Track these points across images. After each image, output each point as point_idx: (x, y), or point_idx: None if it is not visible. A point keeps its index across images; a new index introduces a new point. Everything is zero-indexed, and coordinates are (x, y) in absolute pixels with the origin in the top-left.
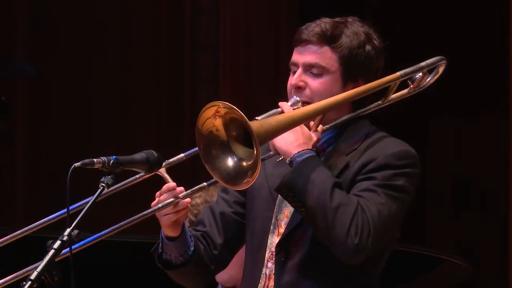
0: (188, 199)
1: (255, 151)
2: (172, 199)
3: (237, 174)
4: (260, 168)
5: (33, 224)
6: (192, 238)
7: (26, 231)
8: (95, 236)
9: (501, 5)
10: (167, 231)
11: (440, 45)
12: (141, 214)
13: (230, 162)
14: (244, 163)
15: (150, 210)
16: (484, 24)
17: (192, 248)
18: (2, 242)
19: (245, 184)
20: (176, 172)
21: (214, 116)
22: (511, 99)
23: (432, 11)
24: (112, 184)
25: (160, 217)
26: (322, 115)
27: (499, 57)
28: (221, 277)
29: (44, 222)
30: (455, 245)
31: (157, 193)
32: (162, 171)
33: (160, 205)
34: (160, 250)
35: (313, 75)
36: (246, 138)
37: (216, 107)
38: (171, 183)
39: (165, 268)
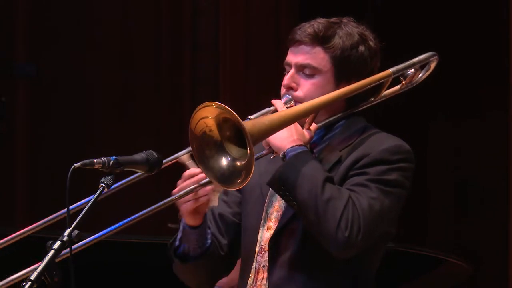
0: (210, 187)
1: (248, 151)
2: (193, 186)
3: (231, 174)
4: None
5: (33, 226)
6: (210, 231)
7: (25, 232)
8: (101, 232)
9: (502, 5)
10: (188, 219)
11: (441, 44)
12: (163, 202)
13: (224, 162)
14: (238, 163)
15: (171, 198)
16: (486, 24)
17: (209, 241)
18: (2, 243)
19: (239, 184)
20: (174, 172)
21: (207, 116)
22: (511, 99)
23: (434, 10)
24: (112, 185)
25: (180, 205)
26: (315, 113)
27: (499, 56)
28: (221, 280)
29: (44, 223)
30: (456, 246)
31: (179, 181)
32: (185, 158)
33: (181, 192)
34: (177, 243)
35: (305, 76)
36: (240, 138)
37: (209, 108)
38: (195, 169)
39: (182, 261)
